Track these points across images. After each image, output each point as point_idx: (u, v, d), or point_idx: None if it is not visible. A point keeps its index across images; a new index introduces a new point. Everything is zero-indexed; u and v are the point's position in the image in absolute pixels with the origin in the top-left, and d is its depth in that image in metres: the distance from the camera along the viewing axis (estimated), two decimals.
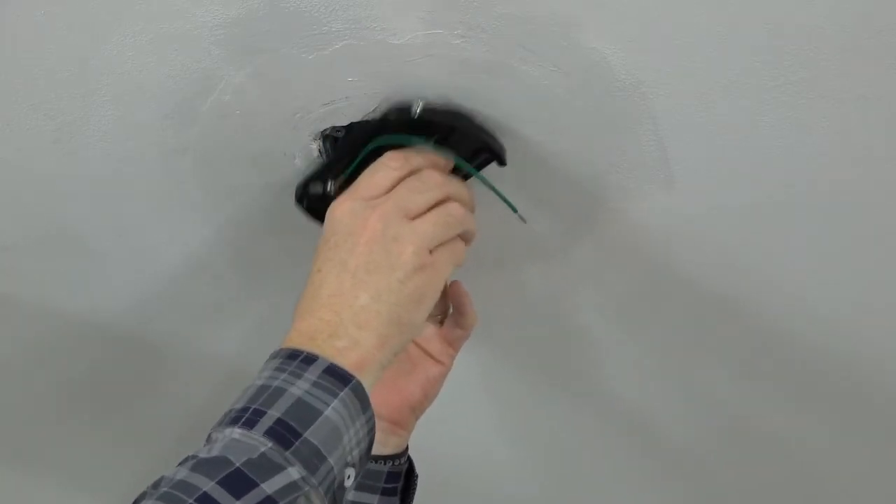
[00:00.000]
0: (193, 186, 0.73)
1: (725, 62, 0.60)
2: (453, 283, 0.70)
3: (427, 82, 0.64)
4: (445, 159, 0.65)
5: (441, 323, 0.71)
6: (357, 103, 0.66)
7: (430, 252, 0.60)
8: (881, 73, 0.60)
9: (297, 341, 0.56)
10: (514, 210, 0.67)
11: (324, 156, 0.69)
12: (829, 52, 0.59)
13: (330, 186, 0.69)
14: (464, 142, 0.66)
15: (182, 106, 0.66)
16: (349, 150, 0.67)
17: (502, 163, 0.67)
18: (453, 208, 0.62)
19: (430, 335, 0.70)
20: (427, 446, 0.75)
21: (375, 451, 0.67)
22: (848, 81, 0.61)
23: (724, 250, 0.76)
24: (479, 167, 0.68)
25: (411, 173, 0.63)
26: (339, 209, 0.61)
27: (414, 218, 0.60)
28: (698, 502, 1.11)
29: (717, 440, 1.01)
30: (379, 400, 0.68)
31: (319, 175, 0.69)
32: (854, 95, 0.62)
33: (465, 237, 0.64)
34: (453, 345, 0.70)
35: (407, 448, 0.70)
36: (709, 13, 0.58)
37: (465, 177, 0.68)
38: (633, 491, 1.12)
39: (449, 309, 0.72)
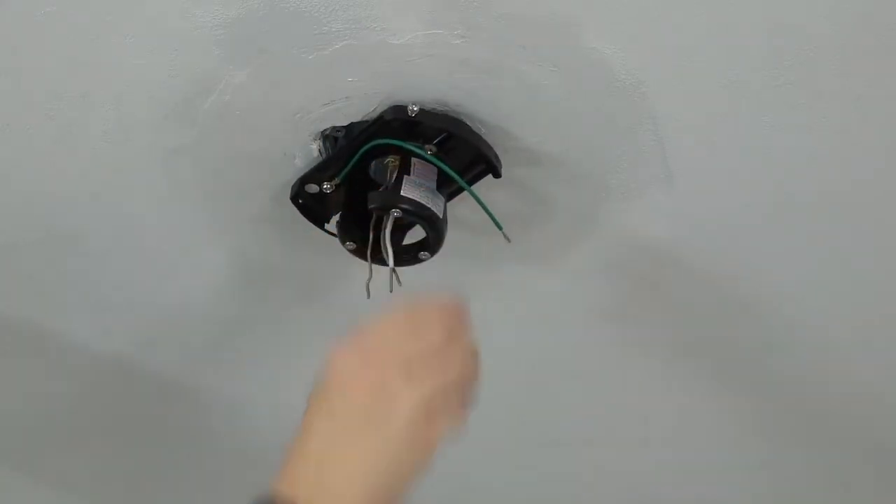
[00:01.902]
0: (193, 186, 0.73)
1: (725, 62, 0.60)
2: None
3: (427, 82, 0.64)
4: (455, 305, 0.60)
5: None
6: (357, 103, 0.66)
7: (426, 414, 0.57)
8: (881, 73, 0.60)
9: (281, 489, 0.54)
10: (500, 227, 0.67)
11: (324, 156, 0.69)
12: (829, 52, 0.59)
13: (325, 186, 0.69)
14: (460, 150, 0.66)
15: (182, 106, 0.66)
16: (345, 152, 0.67)
17: (497, 175, 0.67)
18: (455, 376, 0.59)
19: None
20: None
21: None
22: (848, 81, 0.61)
23: (724, 250, 0.76)
24: (475, 179, 0.68)
25: (417, 325, 0.59)
26: (339, 359, 0.58)
27: (413, 378, 0.57)
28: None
29: (717, 445, 1.01)
30: None
31: (315, 175, 0.69)
32: (854, 95, 0.62)
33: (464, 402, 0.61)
34: None
35: None
36: (709, 13, 0.58)
37: (456, 192, 0.68)
38: (635, 495, 1.12)
39: None
